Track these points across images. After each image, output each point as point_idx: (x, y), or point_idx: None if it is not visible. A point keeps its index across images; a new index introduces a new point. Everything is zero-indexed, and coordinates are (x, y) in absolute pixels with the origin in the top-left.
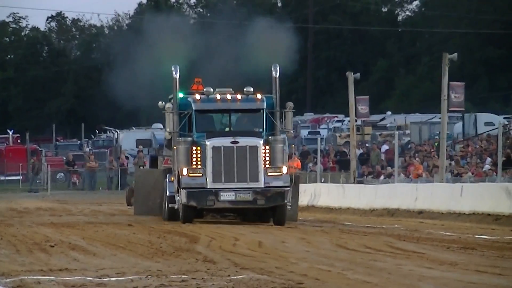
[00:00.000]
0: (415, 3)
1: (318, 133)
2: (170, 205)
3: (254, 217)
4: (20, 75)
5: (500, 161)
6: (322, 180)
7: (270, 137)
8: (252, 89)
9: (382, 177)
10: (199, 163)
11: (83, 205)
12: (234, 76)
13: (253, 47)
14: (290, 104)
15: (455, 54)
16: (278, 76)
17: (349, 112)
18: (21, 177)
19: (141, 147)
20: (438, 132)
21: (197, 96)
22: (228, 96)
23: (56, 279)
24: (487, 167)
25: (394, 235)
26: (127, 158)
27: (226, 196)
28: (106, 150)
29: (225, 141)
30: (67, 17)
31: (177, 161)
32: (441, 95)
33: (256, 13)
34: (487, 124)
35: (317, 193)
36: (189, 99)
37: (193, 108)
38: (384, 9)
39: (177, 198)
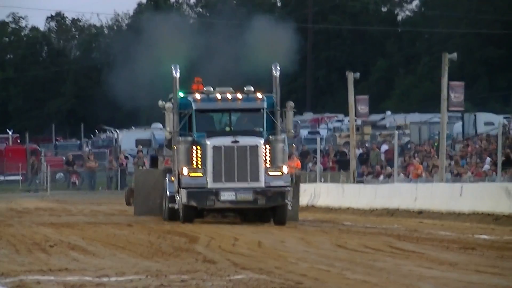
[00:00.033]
0: (415, 3)
1: (318, 133)
2: (170, 205)
3: (254, 217)
4: (20, 75)
5: (500, 161)
6: (322, 180)
7: (270, 136)
8: (252, 89)
9: (381, 177)
10: (199, 163)
11: (83, 205)
12: (234, 76)
13: (253, 47)
14: (290, 104)
15: (455, 54)
16: (278, 75)
17: (349, 112)
18: (21, 177)
19: (141, 147)
20: (437, 132)
21: (197, 96)
22: (229, 96)
23: (55, 279)
24: (486, 167)
25: (393, 235)
26: (126, 158)
27: (226, 196)
28: (106, 150)
29: (226, 141)
30: (66, 17)
31: (177, 161)
32: (441, 95)
33: (256, 13)
34: (487, 124)
35: (316, 193)
36: (189, 98)
37: (193, 108)
38: (384, 9)
39: (177, 198)
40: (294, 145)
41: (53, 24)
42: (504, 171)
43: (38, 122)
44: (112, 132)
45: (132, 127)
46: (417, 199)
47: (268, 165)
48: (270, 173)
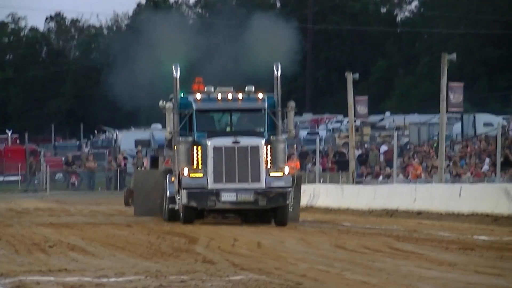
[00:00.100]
0: (414, 3)
1: (317, 133)
2: (170, 206)
3: (255, 218)
4: (19, 75)
5: (499, 161)
6: (321, 181)
7: (271, 137)
8: (253, 89)
9: (381, 178)
10: (200, 163)
11: (82, 205)
12: (234, 76)
13: (253, 47)
14: (291, 104)
15: (454, 55)
16: (279, 75)
17: (348, 112)
18: (20, 178)
19: (140, 147)
20: (437, 133)
21: (198, 96)
22: (229, 96)
23: (55, 280)
24: (486, 167)
25: (393, 235)
26: (126, 158)
27: (227, 197)
28: (105, 151)
29: (226, 141)
30: (66, 17)
31: (177, 161)
32: (440, 96)
33: (256, 12)
34: (486, 124)
35: (316, 194)
36: (189, 98)
37: (194, 108)
38: (383, 10)
39: (177, 199)
40: (295, 145)
41: (52, 24)
42: (503, 172)
43: (37, 122)
44: (111, 133)
45: (132, 127)
46: (416, 199)
47: (269, 166)
48: (271, 174)
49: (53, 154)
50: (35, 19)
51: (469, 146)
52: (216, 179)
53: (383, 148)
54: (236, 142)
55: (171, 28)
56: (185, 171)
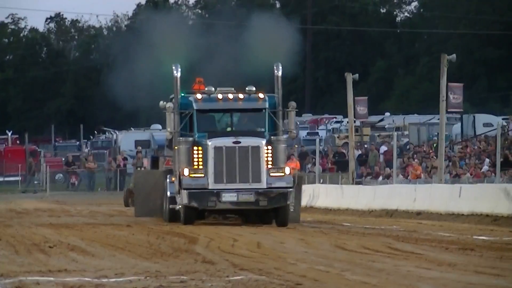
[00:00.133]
0: (414, 3)
1: (317, 134)
2: (171, 206)
3: (256, 219)
4: (19, 76)
5: (499, 162)
6: (321, 181)
7: (272, 137)
8: (254, 88)
9: (380, 178)
10: (200, 163)
11: (82, 206)
12: (234, 76)
13: (253, 47)
14: (292, 104)
15: (454, 55)
16: (280, 75)
17: (348, 113)
18: (20, 178)
19: (140, 148)
20: (436, 133)
21: (199, 96)
22: (230, 96)
23: (55, 280)
24: (485, 168)
25: (392, 236)
26: (125, 159)
27: (228, 197)
28: (105, 151)
29: (227, 141)
30: (66, 18)
31: (178, 162)
32: (440, 96)
33: (256, 12)
34: (485, 125)
35: (315, 194)
36: (190, 98)
37: (194, 108)
38: (383, 10)
39: (178, 199)
40: (296, 145)
41: (52, 25)
42: (502, 172)
43: (37, 123)
44: (111, 133)
45: (131, 128)
46: (416, 200)
47: (270, 166)
48: (272, 174)
49: (53, 154)
50: (35, 19)
51: (469, 147)
52: (217, 179)
53: (383, 148)
54: (236, 142)
55: (171, 29)
56: (186, 171)
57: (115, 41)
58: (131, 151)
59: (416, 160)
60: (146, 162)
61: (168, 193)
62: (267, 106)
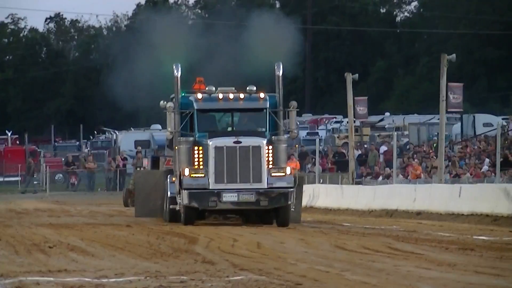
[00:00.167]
0: (414, 3)
1: (317, 134)
2: (171, 207)
3: (256, 219)
4: (19, 76)
5: (499, 162)
6: (321, 181)
7: (273, 137)
8: (255, 88)
9: (380, 178)
10: (201, 163)
11: (82, 206)
12: (235, 76)
13: (253, 47)
14: (293, 103)
15: (454, 55)
16: (281, 74)
17: (348, 113)
18: (20, 178)
19: (140, 148)
20: (436, 133)
21: (199, 95)
22: (231, 95)
23: (55, 280)
24: (485, 168)
25: (392, 236)
26: (125, 159)
27: (228, 197)
28: (105, 151)
29: (228, 141)
30: (65, 18)
31: (178, 161)
32: (440, 96)
33: (256, 12)
34: (485, 125)
35: (315, 194)
36: (190, 98)
37: (195, 108)
38: (383, 10)
39: (178, 199)
40: (297, 145)
41: (52, 25)
42: (502, 172)
43: (37, 123)
44: (111, 133)
45: (131, 128)
46: (416, 200)
47: (270, 166)
48: (273, 174)
49: (52, 154)
50: (35, 20)
51: (469, 147)
52: (218, 179)
53: (383, 148)
54: (237, 142)
55: (171, 29)
56: (186, 171)
57: (115, 41)
58: (131, 151)
59: (416, 160)
60: (146, 162)
61: (169, 193)
62: (268, 105)
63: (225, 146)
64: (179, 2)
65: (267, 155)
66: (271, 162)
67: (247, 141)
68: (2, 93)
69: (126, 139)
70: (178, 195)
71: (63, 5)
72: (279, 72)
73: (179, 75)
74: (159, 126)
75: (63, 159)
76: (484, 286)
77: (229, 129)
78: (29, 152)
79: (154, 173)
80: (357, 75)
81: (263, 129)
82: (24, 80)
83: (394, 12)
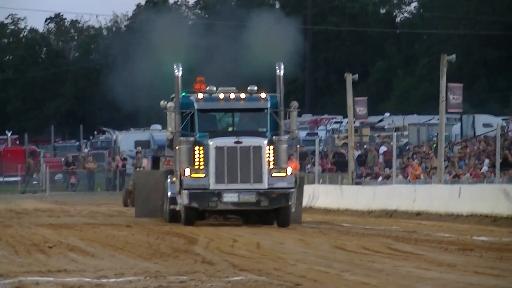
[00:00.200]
0: (414, 4)
1: (316, 134)
2: (171, 207)
3: (257, 219)
4: (19, 76)
5: (498, 162)
6: (321, 181)
7: (274, 137)
8: (256, 88)
9: (380, 178)
10: (201, 163)
11: (82, 206)
12: (235, 77)
13: (253, 47)
14: (294, 104)
15: (453, 56)
16: (282, 74)
17: (348, 113)
18: (19, 178)
19: (140, 148)
20: (436, 134)
21: (200, 95)
22: (231, 95)
23: (54, 280)
24: (485, 168)
25: (392, 236)
26: (125, 159)
27: (229, 198)
28: (105, 151)
29: (228, 141)
30: (65, 19)
31: (179, 162)
32: (439, 97)
33: (256, 12)
34: (485, 125)
35: (315, 195)
36: (191, 98)
37: (196, 107)
38: (383, 11)
39: (178, 200)
40: (298, 146)
41: (52, 25)
42: (502, 173)
43: (37, 123)
44: (111, 133)
45: (131, 128)
46: (415, 200)
47: (271, 166)
48: (274, 174)
49: (52, 155)
50: (35, 20)
51: (468, 147)
52: (218, 179)
53: (382, 148)
54: (238, 142)
55: (171, 29)
56: (187, 171)
57: (115, 41)
58: (130, 151)
59: (415, 160)
60: (146, 163)
61: (169, 194)
62: (269, 106)
63: (226, 146)
64: (179, 3)
65: (268, 155)
66: (272, 163)
67: (248, 141)
68: (2, 93)
69: (126, 139)
70: (178, 195)
71: (63, 5)
72: (280, 72)
73: (180, 75)
74: (159, 126)
75: (63, 159)
76: (483, 286)
77: (230, 129)
78: (29, 152)
79: (154, 173)
80: (356, 75)
81: (264, 129)
82: (24, 80)
83: (394, 13)
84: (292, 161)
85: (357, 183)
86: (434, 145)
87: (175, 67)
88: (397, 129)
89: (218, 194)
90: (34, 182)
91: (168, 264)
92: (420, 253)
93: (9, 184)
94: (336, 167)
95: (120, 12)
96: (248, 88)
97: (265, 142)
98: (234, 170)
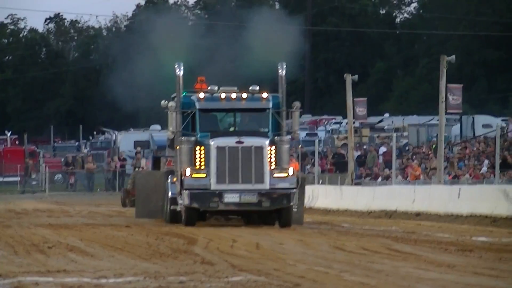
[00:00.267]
0: (413, 5)
1: (316, 135)
2: (172, 207)
3: (258, 220)
4: (19, 76)
5: (498, 163)
6: (320, 182)
7: (276, 137)
8: (257, 88)
9: (380, 179)
10: (202, 163)
11: (81, 206)
12: (235, 77)
13: (253, 48)
14: (297, 104)
15: (453, 56)
16: (284, 74)
17: (347, 114)
18: (19, 178)
19: (139, 148)
20: (436, 134)
21: (201, 95)
22: (233, 95)
23: (54, 281)
24: (484, 169)
25: (391, 237)
26: (125, 159)
27: (230, 198)
28: (104, 152)
29: (230, 141)
30: (65, 19)
31: (179, 162)
32: (439, 97)
33: (255, 14)
34: (485, 126)
35: (314, 195)
36: (192, 97)
37: (197, 107)
38: (382, 11)
39: (179, 200)
40: (300, 146)
41: (51, 25)
42: (502, 173)
43: (36, 123)
44: (110, 134)
45: (131, 128)
46: (415, 201)
47: (273, 167)
48: (275, 175)
49: (52, 155)
50: (35, 20)
51: (468, 148)
52: (219, 179)
53: (382, 149)
54: (239, 142)
55: (171, 30)
56: (187, 171)
57: (115, 41)
58: (130, 151)
59: (415, 161)
60: (147, 163)
61: (169, 194)
62: (270, 106)
63: (227, 146)
64: (178, 3)
65: (269, 155)
66: (273, 163)
67: (249, 141)
68: (2, 93)
69: (125, 140)
70: (179, 196)
71: (63, 5)
72: (282, 72)
73: (181, 74)
74: (158, 127)
75: (62, 160)
76: (483, 287)
77: (231, 129)
78: (28, 152)
79: (155, 173)
80: (356, 76)
81: (266, 130)
82: (24, 81)
83: (394, 13)
84: (292, 161)
85: (356, 184)
86: (434, 146)
87: (176, 66)
88: (396, 130)
89: (219, 194)
90: (34, 183)
91: (168, 265)
92: (420, 253)
93: (8, 184)
94: (336, 168)
95: (120, 13)
96: (250, 88)
97: (267, 142)
98: (236, 170)
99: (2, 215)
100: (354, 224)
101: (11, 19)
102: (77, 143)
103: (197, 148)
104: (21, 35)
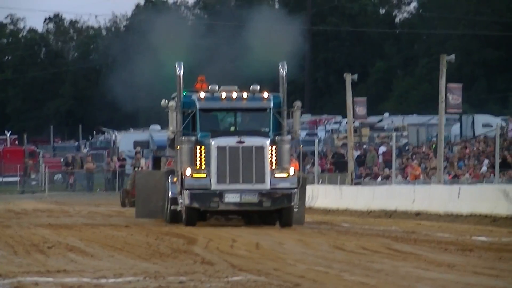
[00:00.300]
0: (413, 4)
1: (316, 134)
2: (172, 207)
3: (259, 220)
4: (18, 77)
5: (498, 163)
6: (320, 182)
7: (277, 137)
8: (258, 87)
9: (379, 179)
10: (203, 163)
11: (81, 206)
12: (235, 77)
13: (253, 48)
14: (298, 104)
15: (453, 56)
16: (285, 74)
17: (347, 113)
18: (19, 178)
19: (139, 148)
20: (435, 134)
21: (202, 94)
22: (234, 95)
23: (53, 281)
24: (484, 169)
25: (391, 236)
26: (124, 159)
27: (230, 198)
28: (104, 152)
29: (230, 141)
30: (64, 19)
31: (180, 161)
32: (439, 97)
33: (256, 13)
34: (484, 125)
35: (314, 195)
36: (193, 97)
37: (197, 107)
38: (382, 11)
39: (179, 200)
40: (301, 146)
41: (51, 25)
42: (501, 173)
43: (36, 123)
44: (110, 134)
45: (131, 128)
46: (415, 200)
47: (274, 167)
48: (276, 175)
49: (51, 155)
50: (34, 20)
51: (468, 147)
52: (220, 179)
53: (382, 149)
54: (240, 142)
55: (170, 29)
56: (188, 171)
57: (114, 41)
58: (130, 151)
59: (415, 160)
60: (144, 163)
61: (170, 194)
62: (271, 105)
63: (228, 146)
64: (178, 3)
65: (270, 155)
66: (274, 163)
67: (250, 141)
68: (1, 93)
69: (125, 140)
70: (179, 196)
71: (62, 5)
72: (283, 71)
73: (181, 74)
74: (158, 127)
75: (62, 160)
76: (482, 287)
77: (232, 128)
78: (28, 152)
79: (155, 173)
80: (356, 75)
81: (267, 129)
82: (23, 81)
83: (393, 13)
84: (292, 161)
85: (356, 184)
86: (434, 146)
87: (176, 66)
88: (396, 130)
89: (220, 194)
90: (33, 183)
91: (167, 265)
92: (419, 253)
93: (8, 184)
94: (336, 167)
95: (119, 13)
96: (251, 87)
97: (268, 142)
98: (236, 170)
99: (1, 215)
100: (354, 224)
101: (10, 19)
102: (76, 143)
103: (198, 148)
104: (20, 35)
